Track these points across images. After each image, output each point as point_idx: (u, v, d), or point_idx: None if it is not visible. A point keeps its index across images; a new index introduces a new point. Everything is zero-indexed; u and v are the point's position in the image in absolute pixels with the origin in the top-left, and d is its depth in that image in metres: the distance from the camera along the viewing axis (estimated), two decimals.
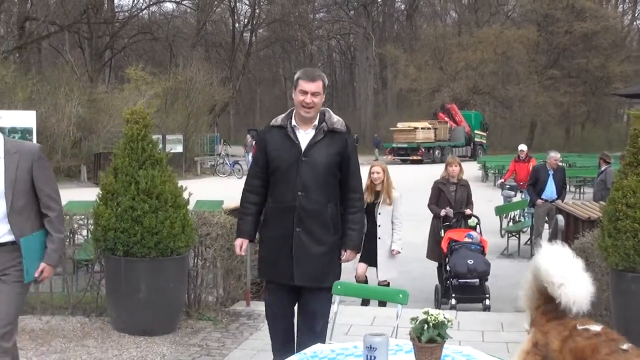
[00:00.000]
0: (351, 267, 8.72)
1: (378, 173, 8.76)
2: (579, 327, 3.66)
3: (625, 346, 3.56)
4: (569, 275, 3.79)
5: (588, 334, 3.64)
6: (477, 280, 9.29)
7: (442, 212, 9.91)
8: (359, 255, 8.62)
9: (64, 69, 40.81)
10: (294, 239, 4.93)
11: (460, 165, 10.48)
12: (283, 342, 5.27)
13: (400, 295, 4.57)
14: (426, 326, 3.36)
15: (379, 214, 8.68)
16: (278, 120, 5.11)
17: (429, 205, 10.28)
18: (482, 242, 9.77)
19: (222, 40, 62.93)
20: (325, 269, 5.06)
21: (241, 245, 5.24)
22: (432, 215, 10.26)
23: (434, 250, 10.10)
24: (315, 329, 4.99)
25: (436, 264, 10.21)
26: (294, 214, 4.91)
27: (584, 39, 57.68)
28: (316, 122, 5.02)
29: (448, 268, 9.48)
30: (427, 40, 62.88)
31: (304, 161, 4.92)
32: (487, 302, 9.12)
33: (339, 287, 4.67)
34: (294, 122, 5.04)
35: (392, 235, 8.69)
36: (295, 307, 5.36)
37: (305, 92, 4.87)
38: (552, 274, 3.70)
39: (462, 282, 9.41)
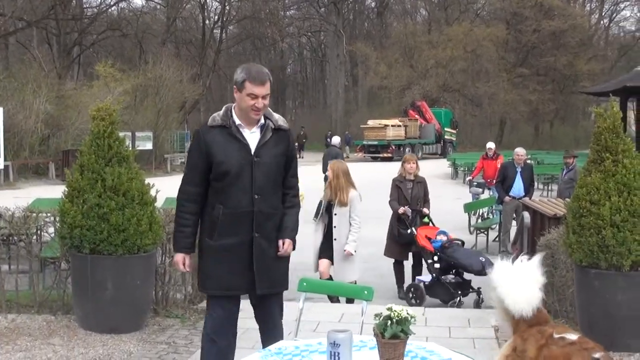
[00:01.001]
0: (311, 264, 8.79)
1: (329, 174, 8.90)
2: (556, 336, 3.73)
3: (597, 355, 3.62)
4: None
5: (563, 343, 3.71)
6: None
7: (401, 210, 10.02)
8: (317, 253, 8.75)
9: (31, 65, 40.54)
10: (254, 245, 4.63)
11: (416, 163, 10.64)
12: None
13: (365, 292, 4.62)
14: (389, 322, 3.39)
15: (335, 214, 8.73)
16: (217, 119, 4.71)
17: (390, 202, 10.39)
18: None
19: (192, 37, 62.71)
20: (284, 272, 4.90)
21: (183, 261, 4.80)
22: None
23: (391, 248, 10.25)
24: (277, 326, 4.86)
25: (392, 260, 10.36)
26: (252, 219, 4.62)
27: (552, 37, 58.13)
28: (261, 120, 4.72)
29: (437, 265, 9.67)
30: (397, 38, 63.07)
31: (256, 162, 4.63)
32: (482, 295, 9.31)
33: (304, 283, 4.70)
34: (237, 121, 4.68)
35: (347, 236, 8.67)
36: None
37: (255, 97, 4.54)
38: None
39: (457, 278, 9.69)
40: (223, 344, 4.77)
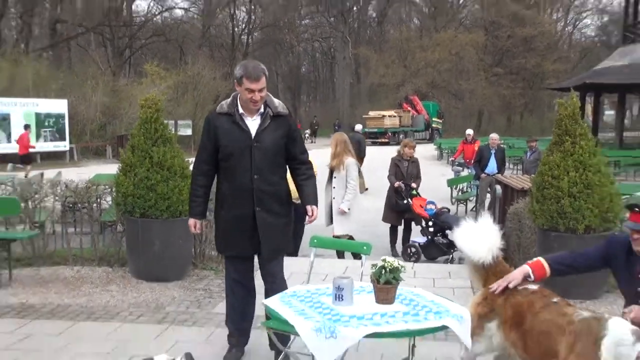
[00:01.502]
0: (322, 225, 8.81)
1: (332, 144, 8.98)
2: (520, 287, 3.80)
3: (555, 299, 3.68)
4: (464, 235, 3.98)
5: (526, 292, 3.77)
6: None
7: (396, 184, 10.13)
8: (335, 217, 8.77)
9: (90, 64, 40.68)
10: (257, 218, 4.53)
11: (414, 148, 10.77)
12: (242, 315, 4.86)
13: (365, 247, 4.68)
14: (383, 271, 3.45)
15: (334, 177, 8.73)
16: (224, 107, 4.59)
17: (388, 177, 10.45)
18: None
19: (224, 42, 62.37)
20: (286, 238, 4.78)
21: (195, 225, 4.79)
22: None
23: (388, 215, 10.29)
24: (280, 281, 4.74)
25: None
26: (253, 195, 4.50)
27: (524, 42, 57.66)
28: (261, 109, 4.55)
29: (431, 229, 9.81)
30: (394, 43, 62.62)
31: (255, 146, 4.48)
32: None
33: (315, 240, 4.74)
34: (240, 110, 4.54)
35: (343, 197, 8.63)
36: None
37: (252, 91, 4.37)
38: (456, 238, 3.92)
39: (446, 239, 9.70)
40: (241, 294, 4.79)
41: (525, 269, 3.95)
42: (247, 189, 4.50)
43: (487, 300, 3.95)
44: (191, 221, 4.80)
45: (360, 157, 15.88)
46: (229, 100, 4.63)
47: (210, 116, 4.71)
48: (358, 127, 22.04)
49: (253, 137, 4.49)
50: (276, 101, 4.62)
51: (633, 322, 3.62)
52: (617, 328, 3.27)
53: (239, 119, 4.51)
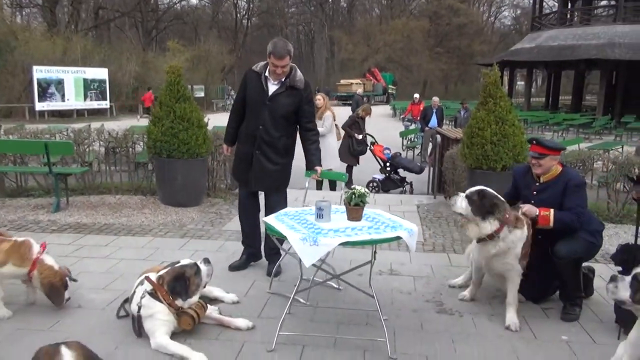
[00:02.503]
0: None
1: (318, 100, 8.70)
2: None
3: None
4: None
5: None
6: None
7: (359, 137, 9.91)
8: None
9: (125, 41, 39.74)
10: (254, 158, 4.42)
11: (370, 112, 10.61)
12: (249, 234, 4.76)
13: (343, 176, 4.75)
14: (354, 195, 3.43)
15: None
16: (258, 67, 4.44)
17: (344, 127, 9.98)
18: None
19: (229, 25, 60.82)
20: (277, 181, 4.55)
21: (226, 149, 4.82)
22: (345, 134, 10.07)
23: (347, 157, 9.88)
24: (274, 210, 4.34)
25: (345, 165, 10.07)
26: (255, 140, 4.40)
27: (458, 28, 57.13)
28: (283, 78, 4.35)
29: (389, 168, 9.83)
30: (360, 27, 61.59)
31: (267, 105, 4.34)
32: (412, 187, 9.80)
33: (307, 172, 4.62)
34: (267, 74, 4.36)
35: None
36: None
37: (276, 66, 4.21)
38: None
39: (399, 176, 9.84)
40: (250, 211, 4.72)
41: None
42: (253, 134, 4.41)
43: None
44: (224, 146, 4.85)
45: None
46: (263, 63, 4.44)
47: (247, 71, 4.55)
48: (360, 90, 21.54)
49: (268, 97, 4.34)
50: (298, 75, 4.39)
51: (524, 215, 3.84)
52: None
53: (264, 80, 4.36)
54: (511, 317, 3.77)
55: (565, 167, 4.01)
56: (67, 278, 3.79)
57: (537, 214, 3.82)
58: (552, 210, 3.81)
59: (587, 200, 3.91)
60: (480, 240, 3.83)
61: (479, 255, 4.00)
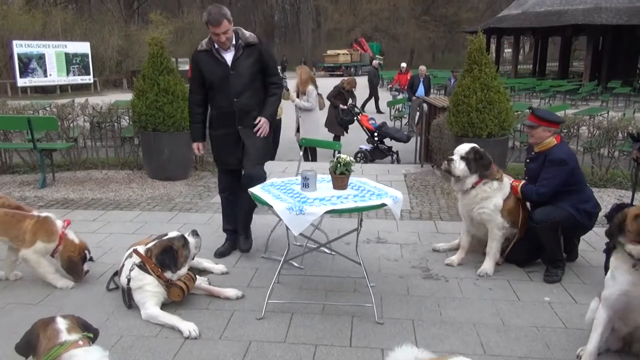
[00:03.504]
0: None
1: (298, 73, 8.96)
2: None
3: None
4: None
5: None
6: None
7: (343, 107, 10.05)
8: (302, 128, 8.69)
9: (106, 14, 38.84)
10: (241, 134, 4.14)
11: (355, 86, 10.74)
12: (230, 217, 4.52)
13: (337, 145, 4.82)
14: (339, 165, 3.45)
15: (300, 100, 8.65)
16: (203, 45, 4.13)
17: (328, 97, 10.05)
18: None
19: None
20: (265, 152, 4.34)
21: (197, 147, 4.43)
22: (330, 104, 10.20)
23: (334, 127, 10.01)
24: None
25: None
26: (234, 117, 4.11)
27: None
28: (233, 42, 4.06)
29: (376, 138, 9.86)
30: None
31: (232, 74, 4.05)
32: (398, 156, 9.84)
33: (303, 140, 4.65)
34: (216, 46, 4.08)
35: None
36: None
37: (216, 34, 3.94)
38: None
39: (385, 146, 9.91)
40: (230, 197, 4.47)
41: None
42: (230, 111, 4.12)
43: None
44: (194, 145, 4.44)
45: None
46: (206, 39, 4.14)
47: (194, 54, 4.24)
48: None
49: (230, 67, 4.07)
50: (247, 33, 4.14)
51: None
52: None
53: (216, 52, 4.08)
54: (485, 266, 4.07)
55: (560, 143, 4.02)
56: (85, 251, 3.84)
57: (510, 182, 4.13)
58: (521, 182, 4.12)
59: (564, 177, 3.89)
60: (464, 192, 4.13)
61: (462, 208, 4.24)
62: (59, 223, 3.82)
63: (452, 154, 4.17)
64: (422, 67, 14.75)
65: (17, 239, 3.73)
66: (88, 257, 3.89)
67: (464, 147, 4.12)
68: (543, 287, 3.88)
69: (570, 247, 4.27)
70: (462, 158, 4.05)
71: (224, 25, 3.94)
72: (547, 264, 4.06)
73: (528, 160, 4.18)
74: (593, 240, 4.74)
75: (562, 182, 3.90)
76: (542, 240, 3.97)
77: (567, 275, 4.04)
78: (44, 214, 3.86)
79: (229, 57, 4.10)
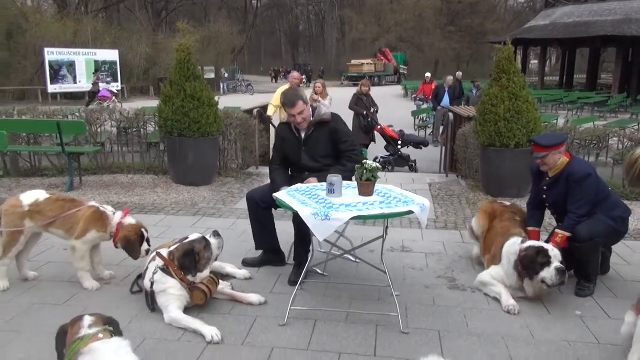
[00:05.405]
0: None
1: (317, 87, 9.28)
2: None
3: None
4: None
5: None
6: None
7: (364, 112, 10.12)
8: None
9: (135, 23, 39.66)
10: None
11: (369, 86, 10.73)
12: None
13: (363, 152, 4.76)
14: (365, 171, 3.40)
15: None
16: (285, 118, 4.29)
17: (350, 107, 10.21)
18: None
19: (238, 5, 60.48)
20: None
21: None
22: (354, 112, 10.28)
23: (361, 135, 9.92)
24: None
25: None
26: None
27: (470, 6, 56.32)
28: (311, 119, 4.16)
29: (399, 146, 9.89)
30: (370, 6, 60.86)
31: (304, 150, 4.17)
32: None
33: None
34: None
35: None
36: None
37: (293, 115, 4.08)
38: None
39: (406, 154, 9.90)
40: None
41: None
42: (300, 180, 4.07)
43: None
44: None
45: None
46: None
47: (278, 126, 4.48)
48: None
49: (302, 142, 4.18)
50: (323, 110, 4.23)
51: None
52: None
53: (294, 127, 4.21)
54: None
55: (572, 159, 3.93)
56: (142, 230, 3.83)
57: (557, 244, 3.78)
58: (559, 233, 3.85)
59: (595, 189, 3.80)
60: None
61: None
62: (119, 214, 3.83)
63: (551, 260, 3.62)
64: (449, 78, 14.62)
65: (69, 228, 3.75)
66: (146, 235, 3.86)
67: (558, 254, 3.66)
68: (574, 300, 3.75)
69: (602, 259, 4.13)
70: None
71: (299, 106, 4.07)
72: (579, 277, 3.93)
73: (545, 188, 4.04)
74: (626, 253, 4.59)
75: (595, 194, 3.79)
76: (582, 258, 3.82)
77: (599, 288, 3.91)
78: (102, 208, 3.84)
79: (303, 133, 4.22)
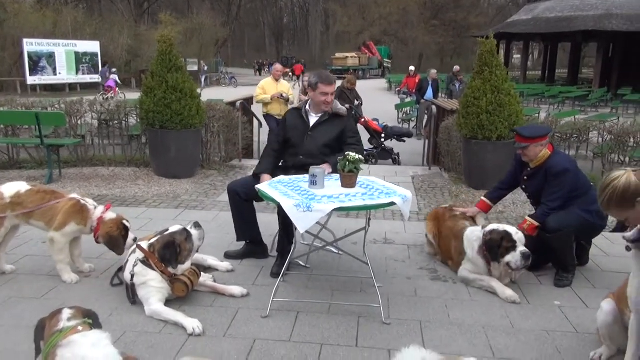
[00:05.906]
0: None
1: (306, 81, 8.96)
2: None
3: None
4: None
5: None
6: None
7: (347, 106, 10.05)
8: None
9: (116, 14, 39.18)
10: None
11: (355, 82, 10.99)
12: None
13: None
14: (347, 162, 3.40)
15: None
16: (297, 104, 4.27)
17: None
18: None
19: None
20: None
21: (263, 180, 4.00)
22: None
23: None
24: None
25: None
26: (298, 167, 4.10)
27: (455, 1, 56.55)
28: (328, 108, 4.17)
29: (383, 139, 9.97)
30: (355, 0, 60.93)
31: (309, 135, 4.15)
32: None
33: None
34: (308, 108, 4.23)
35: None
36: None
37: (326, 94, 4.06)
38: None
39: (389, 147, 9.98)
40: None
41: (476, 210, 4.33)
42: (292, 165, 4.18)
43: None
44: (262, 177, 4.07)
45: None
46: (301, 102, 4.32)
47: (287, 112, 4.49)
48: (433, 71, 19.01)
49: (310, 127, 4.16)
50: (339, 105, 4.27)
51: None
52: None
53: (304, 112, 4.23)
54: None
55: (554, 152, 3.95)
56: (123, 222, 3.76)
57: (523, 230, 3.82)
58: (528, 220, 3.90)
59: (571, 185, 3.82)
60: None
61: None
62: (100, 208, 3.77)
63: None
64: (433, 71, 14.71)
65: (49, 220, 3.69)
66: (129, 226, 3.79)
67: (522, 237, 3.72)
68: (553, 291, 3.80)
69: (581, 251, 4.19)
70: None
71: (334, 87, 4.13)
72: (557, 268, 3.98)
73: (526, 178, 4.08)
74: (604, 245, 4.66)
75: (570, 190, 3.83)
76: (554, 248, 3.88)
77: (578, 279, 3.97)
78: (82, 200, 3.77)
79: (313, 119, 4.21)
